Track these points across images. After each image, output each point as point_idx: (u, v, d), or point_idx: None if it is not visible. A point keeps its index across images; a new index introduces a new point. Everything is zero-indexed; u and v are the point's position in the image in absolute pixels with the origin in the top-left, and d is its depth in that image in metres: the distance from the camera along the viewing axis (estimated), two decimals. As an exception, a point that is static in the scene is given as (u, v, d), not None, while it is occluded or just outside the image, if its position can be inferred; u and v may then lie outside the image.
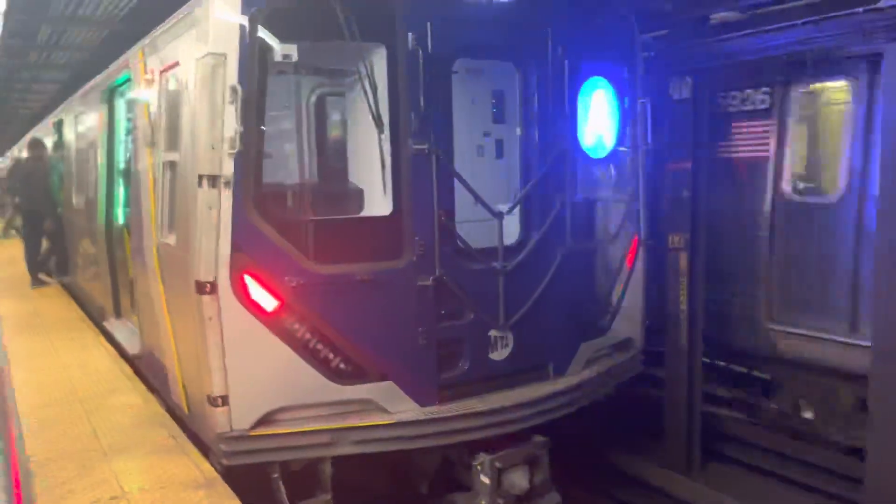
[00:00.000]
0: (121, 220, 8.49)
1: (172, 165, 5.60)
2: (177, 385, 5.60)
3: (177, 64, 5.34)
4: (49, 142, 13.17)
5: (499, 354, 5.58)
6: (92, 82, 9.53)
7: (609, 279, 6.48)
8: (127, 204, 8.58)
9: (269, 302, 4.82)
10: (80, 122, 10.09)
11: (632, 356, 6.62)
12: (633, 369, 6.70)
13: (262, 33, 4.70)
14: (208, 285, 4.72)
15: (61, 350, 7.53)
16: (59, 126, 12.56)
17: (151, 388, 6.42)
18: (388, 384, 5.12)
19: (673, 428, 7.58)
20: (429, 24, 5.09)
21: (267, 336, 4.82)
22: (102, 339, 8.02)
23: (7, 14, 7.56)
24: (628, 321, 6.62)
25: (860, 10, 5.46)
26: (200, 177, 4.74)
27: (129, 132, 7.35)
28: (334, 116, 6.70)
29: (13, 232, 21.25)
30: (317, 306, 4.92)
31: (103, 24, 9.58)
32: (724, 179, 7.31)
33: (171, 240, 5.45)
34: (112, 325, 8.40)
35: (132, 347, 7.21)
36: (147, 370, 6.71)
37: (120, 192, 8.41)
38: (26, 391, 6.13)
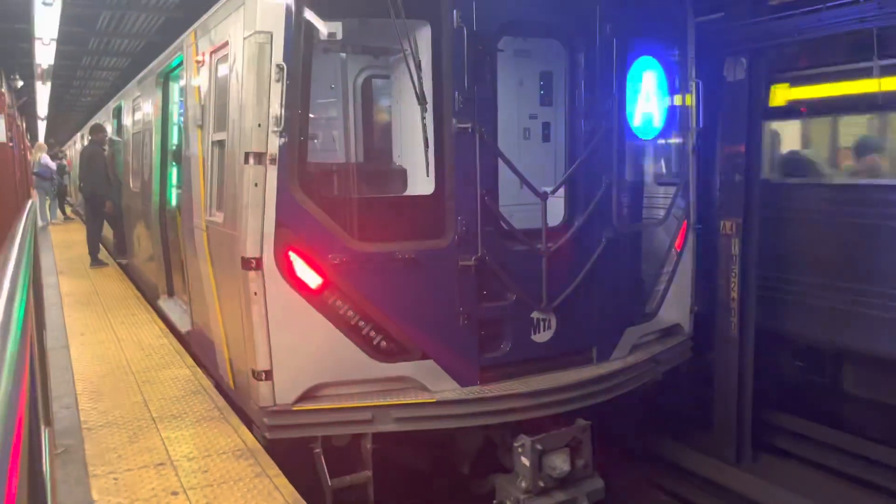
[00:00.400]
0: (174, 201, 8.72)
1: (221, 145, 5.70)
2: (223, 360, 5.72)
3: (226, 44, 5.42)
4: (109, 128, 13.61)
5: (541, 336, 5.52)
6: (148, 68, 9.78)
7: (656, 264, 6.34)
8: (179, 185, 8.81)
9: (312, 279, 4.87)
10: (137, 107, 10.38)
11: (680, 343, 6.48)
12: (681, 356, 6.56)
13: (308, 12, 4.73)
14: (254, 261, 4.79)
15: (117, 326, 7.79)
16: (117, 112, 12.96)
17: (200, 364, 6.58)
18: (430, 363, 5.12)
19: (722, 418, 7.41)
20: (474, 0, 5.04)
21: (310, 312, 4.88)
22: (156, 317, 8.26)
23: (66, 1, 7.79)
24: (676, 307, 6.48)
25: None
26: (247, 154, 4.82)
27: (181, 115, 7.52)
28: (380, 97, 6.72)
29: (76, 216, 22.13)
30: (359, 284, 4.95)
31: (160, 11, 9.80)
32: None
33: (219, 218, 5.55)
34: (165, 303, 8.65)
35: (183, 325, 7.41)
36: (196, 346, 6.88)
37: (173, 174, 8.64)
38: (83, 363, 6.35)
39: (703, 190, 7.18)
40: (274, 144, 4.73)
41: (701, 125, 6.38)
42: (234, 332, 5.42)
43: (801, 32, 6.21)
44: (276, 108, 4.69)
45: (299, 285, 4.86)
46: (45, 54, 11.22)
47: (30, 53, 12.01)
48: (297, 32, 4.71)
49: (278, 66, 4.66)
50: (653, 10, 6.06)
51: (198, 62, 6.22)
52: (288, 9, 4.67)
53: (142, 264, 10.26)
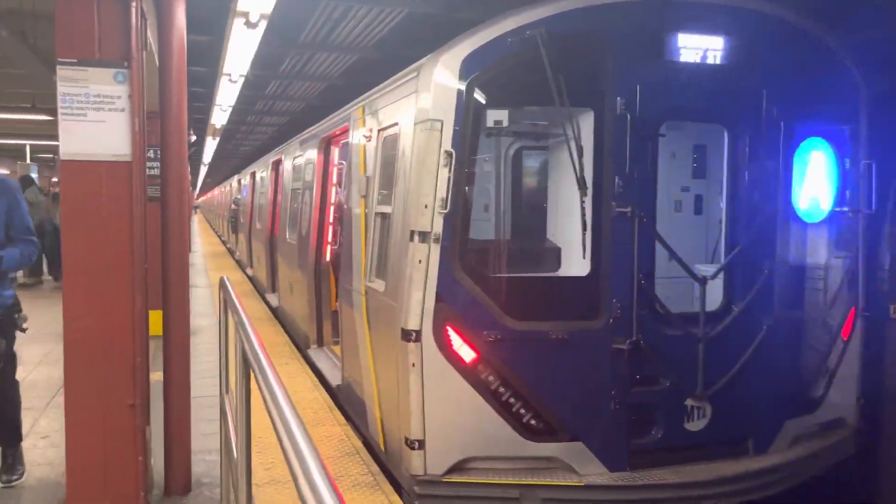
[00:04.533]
0: (327, 256, 9.30)
1: (384, 217, 6.05)
2: (375, 422, 5.98)
3: (395, 125, 5.80)
4: (267, 177, 14.77)
5: (695, 425, 5.37)
6: (310, 131, 10.57)
7: (821, 352, 6.00)
8: (334, 243, 9.36)
9: (467, 353, 5.04)
10: (297, 164, 11.20)
11: (843, 437, 6.06)
12: (845, 452, 6.11)
13: (477, 101, 4.99)
14: (414, 333, 5.03)
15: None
16: (276, 165, 14.04)
17: (348, 418, 6.90)
18: (578, 445, 5.12)
19: (890, 521, 6.80)
20: (637, 87, 5.12)
21: (464, 386, 5.03)
22: (306, 367, 8.73)
23: (249, 72, 8.64)
24: (841, 399, 6.08)
25: None
26: (412, 232, 5.10)
27: (343, 180, 8.05)
28: (533, 172, 6.89)
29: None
30: (511, 361, 5.06)
31: (324, 79, 10.57)
32: None
33: (380, 286, 5.86)
34: (315, 353, 9.16)
35: (333, 378, 7.81)
36: (345, 401, 7.22)
37: (328, 231, 9.22)
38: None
39: (870, 273, 6.75)
40: (439, 224, 4.98)
41: (874, 208, 6.04)
42: (387, 397, 5.67)
43: None
44: (442, 191, 4.96)
45: (455, 359, 5.03)
46: (220, 117, 12.39)
47: (207, 113, 13.29)
48: (466, 120, 4.97)
49: (447, 152, 4.94)
50: (822, 89, 5.86)
51: (366, 137, 6.67)
52: (459, 98, 4.96)
53: (293, 311, 10.93)
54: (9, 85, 11.66)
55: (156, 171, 8.23)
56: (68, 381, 4.35)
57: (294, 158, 11.54)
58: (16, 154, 25.05)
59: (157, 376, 5.07)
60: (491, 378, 5.06)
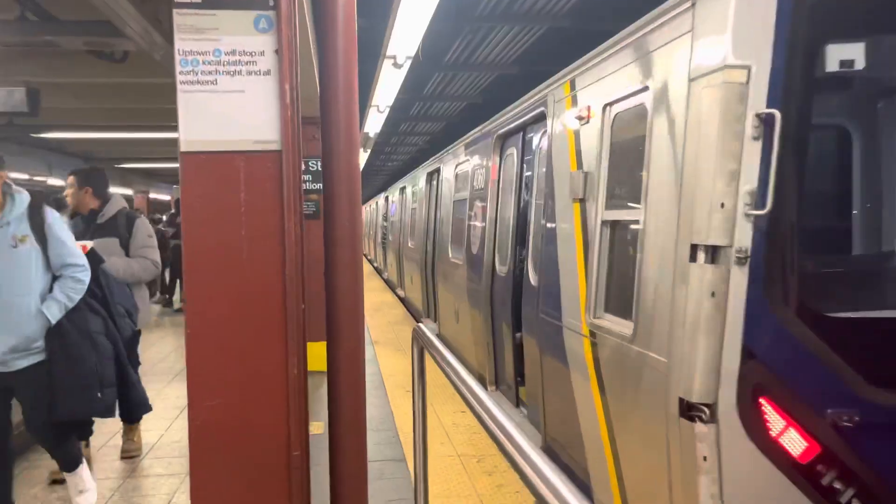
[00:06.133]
0: (510, 280, 7.57)
1: (623, 226, 4.25)
2: (618, 524, 4.14)
3: (641, 91, 3.97)
4: (421, 191, 13.39)
5: None
6: (479, 129, 8.95)
7: None
8: (517, 261, 7.63)
9: (798, 444, 3.10)
10: (462, 172, 9.64)
11: None
12: None
13: (810, 30, 3.07)
14: (705, 410, 3.16)
15: (449, 429, 6.69)
16: (430, 177, 12.59)
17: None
18: None
19: None
20: None
21: (791, 494, 3.11)
22: (488, 416, 7.05)
23: (411, 67, 7.20)
24: None
25: None
26: (695, 247, 3.24)
27: (536, 182, 6.31)
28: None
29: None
30: (879, 459, 3.06)
31: (493, 68, 8.95)
32: None
33: (622, 327, 4.04)
34: (496, 399, 7.46)
35: (529, 436, 6.06)
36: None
37: (513, 249, 7.48)
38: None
39: None
40: (745, 234, 3.10)
41: None
42: (644, 497, 3.82)
43: None
44: (752, 180, 3.07)
45: (777, 452, 3.11)
46: (374, 122, 11.14)
47: (360, 119, 12.16)
48: (791, 64, 3.06)
49: (760, 116, 3.05)
50: None
51: (579, 119, 4.90)
52: (779, 28, 3.06)
53: (458, 342, 9.34)
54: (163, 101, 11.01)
55: (309, 185, 6.87)
56: (195, 485, 2.87)
57: (457, 165, 9.99)
58: (171, 179, 25.73)
59: (314, 429, 3.54)
60: (840, 486, 3.09)
